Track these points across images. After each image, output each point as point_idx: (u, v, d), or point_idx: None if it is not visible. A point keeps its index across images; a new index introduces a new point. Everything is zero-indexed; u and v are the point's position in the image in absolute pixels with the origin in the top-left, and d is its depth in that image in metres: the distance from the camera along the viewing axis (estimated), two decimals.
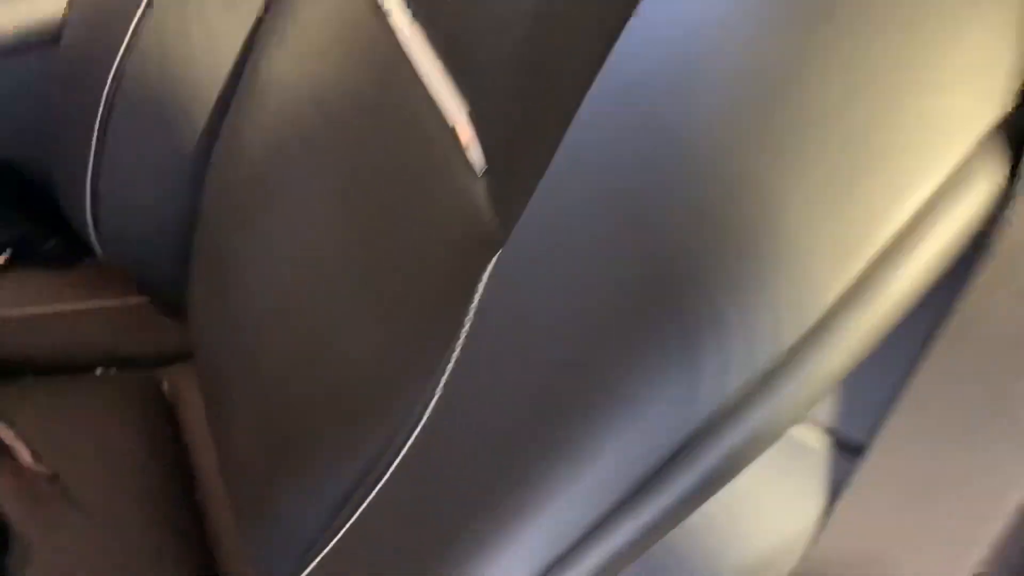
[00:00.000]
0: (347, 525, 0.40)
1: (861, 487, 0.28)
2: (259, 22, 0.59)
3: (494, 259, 0.35)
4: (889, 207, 0.22)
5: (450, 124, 0.39)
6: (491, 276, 0.34)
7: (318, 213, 0.47)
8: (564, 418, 0.27)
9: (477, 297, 0.34)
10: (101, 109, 0.66)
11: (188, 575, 0.65)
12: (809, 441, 0.28)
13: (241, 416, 0.56)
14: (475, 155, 0.38)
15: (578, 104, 0.31)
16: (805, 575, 0.31)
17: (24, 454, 0.65)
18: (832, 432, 0.28)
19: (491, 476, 0.29)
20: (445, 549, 0.30)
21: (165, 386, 0.76)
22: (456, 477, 0.31)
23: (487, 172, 0.38)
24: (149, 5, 0.62)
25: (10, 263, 0.74)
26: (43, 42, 0.70)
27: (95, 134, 0.66)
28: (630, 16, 0.28)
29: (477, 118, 0.38)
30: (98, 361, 0.76)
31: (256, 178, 0.54)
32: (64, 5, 0.69)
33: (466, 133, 0.38)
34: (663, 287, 0.25)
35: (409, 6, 0.44)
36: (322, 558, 0.41)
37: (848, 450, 0.28)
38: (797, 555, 0.31)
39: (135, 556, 0.65)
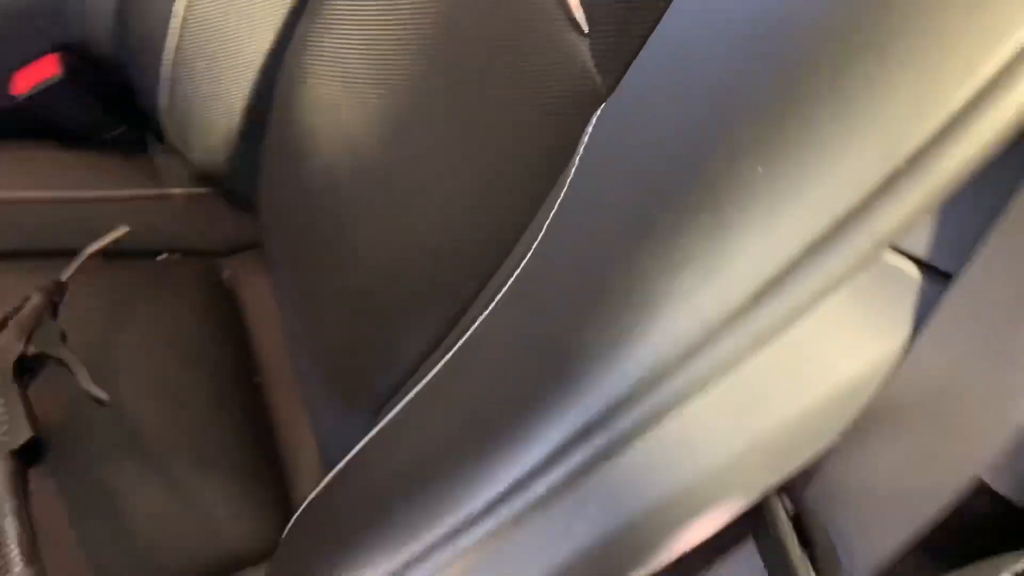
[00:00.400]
0: (430, 374, 0.42)
1: (948, 311, 0.30)
2: None
3: (599, 111, 0.37)
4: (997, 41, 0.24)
5: None
6: (595, 126, 0.37)
7: (408, 82, 0.49)
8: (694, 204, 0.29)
9: (583, 145, 0.37)
10: None
11: (248, 451, 0.68)
12: (903, 267, 0.30)
13: (320, 287, 0.59)
14: (580, 16, 0.40)
15: None
16: (883, 407, 0.34)
17: (83, 376, 0.63)
18: (926, 262, 0.30)
19: (615, 262, 0.31)
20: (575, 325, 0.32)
21: (226, 273, 0.78)
22: (576, 280, 0.33)
23: (591, 32, 0.40)
24: None
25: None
26: None
27: (172, 18, 0.67)
28: None
29: None
30: (161, 247, 0.78)
31: (337, 49, 0.56)
32: None
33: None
34: (789, 97, 0.27)
35: None
36: (409, 400, 0.43)
37: (940, 276, 0.30)
38: (877, 385, 0.33)
39: (195, 432, 0.68)
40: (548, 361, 0.33)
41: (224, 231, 0.79)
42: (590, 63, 0.39)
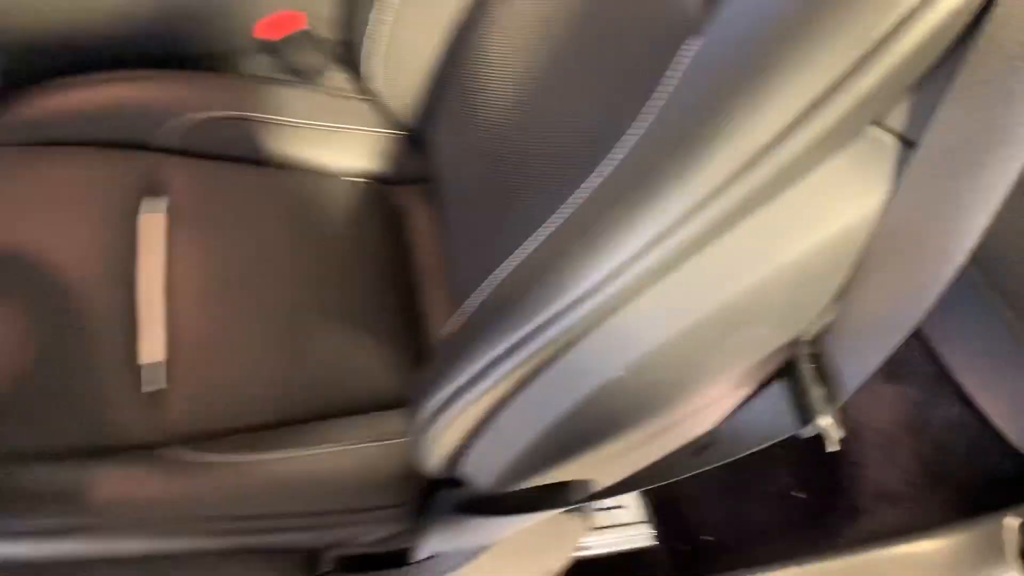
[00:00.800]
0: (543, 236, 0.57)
1: (914, 171, 0.43)
2: None
3: (693, 37, 0.52)
4: None
5: None
6: (689, 45, 0.52)
7: (560, 31, 0.66)
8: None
9: (678, 59, 0.52)
10: None
11: (400, 325, 0.86)
12: (885, 139, 0.44)
13: (473, 197, 0.76)
14: None
15: None
16: (870, 255, 0.46)
17: None
18: (901, 133, 0.44)
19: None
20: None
21: (397, 199, 0.97)
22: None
23: None
24: None
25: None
26: None
27: None
28: None
29: None
30: (349, 172, 0.97)
31: (511, 14, 0.74)
32: None
33: None
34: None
35: None
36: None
37: (911, 145, 0.43)
38: (868, 232, 0.46)
39: (364, 301, 0.87)
40: (644, 182, 0.47)
41: (401, 165, 0.97)
42: (693, 4, 0.54)
